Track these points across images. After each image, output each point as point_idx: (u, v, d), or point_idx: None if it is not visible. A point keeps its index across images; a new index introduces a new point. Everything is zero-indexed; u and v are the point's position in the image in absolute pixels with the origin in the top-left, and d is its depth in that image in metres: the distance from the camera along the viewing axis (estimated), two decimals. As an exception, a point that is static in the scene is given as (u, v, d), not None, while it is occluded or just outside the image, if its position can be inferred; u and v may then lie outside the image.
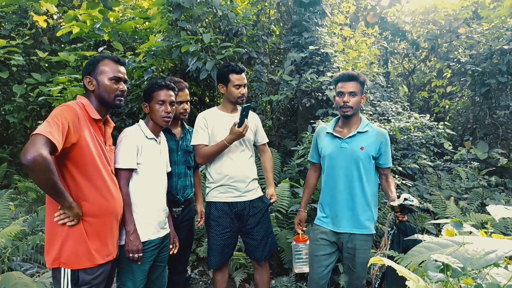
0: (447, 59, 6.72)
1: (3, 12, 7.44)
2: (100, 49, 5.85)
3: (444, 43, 6.74)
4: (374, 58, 6.02)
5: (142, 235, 2.11)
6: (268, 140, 2.93)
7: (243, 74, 2.68)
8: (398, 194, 2.36)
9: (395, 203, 2.24)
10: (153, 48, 5.05)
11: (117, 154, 2.09)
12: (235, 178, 2.63)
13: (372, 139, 2.41)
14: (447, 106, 7.77)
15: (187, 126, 2.77)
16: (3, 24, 7.62)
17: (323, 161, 2.52)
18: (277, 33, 6.01)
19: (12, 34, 7.23)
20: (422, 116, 4.65)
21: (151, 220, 2.18)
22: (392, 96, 5.66)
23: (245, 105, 2.48)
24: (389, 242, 2.36)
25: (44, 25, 7.04)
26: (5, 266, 2.91)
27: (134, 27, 6.48)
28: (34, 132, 1.57)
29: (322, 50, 4.47)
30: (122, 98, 1.98)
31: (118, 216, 1.97)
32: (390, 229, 2.37)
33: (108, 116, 2.04)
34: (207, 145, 2.64)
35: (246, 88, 2.70)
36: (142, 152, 2.17)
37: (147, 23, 6.56)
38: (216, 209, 2.65)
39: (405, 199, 2.23)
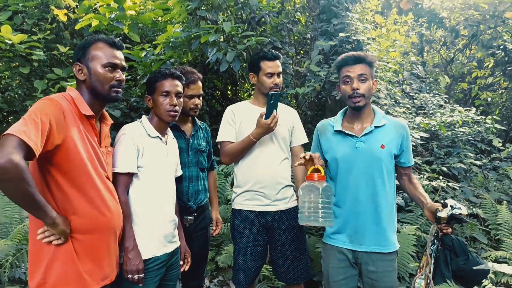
0: (490, 47, 6.12)
1: (25, 7, 7.37)
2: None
3: (487, 29, 6.14)
4: (410, 46, 5.51)
5: (145, 251, 1.81)
6: (306, 141, 2.47)
7: (277, 62, 2.32)
8: (442, 201, 1.94)
9: (443, 213, 1.80)
10: (171, 39, 4.77)
11: (114, 156, 1.79)
12: (263, 183, 2.27)
13: (392, 133, 1.99)
14: (489, 99, 7.16)
15: (198, 122, 2.43)
16: (25, 20, 7.56)
17: (332, 166, 2.06)
18: (303, 22, 5.61)
19: (33, 29, 7.15)
20: (467, 110, 4.17)
21: (156, 233, 1.88)
22: (430, 87, 5.16)
23: (273, 93, 2.11)
24: (432, 261, 1.94)
25: (65, 19, 6.91)
26: (6, 276, 2.67)
27: (153, 18, 6.24)
28: (5, 132, 1.28)
29: (354, 37, 4.05)
30: (120, 90, 1.66)
31: (117, 232, 1.67)
32: (431, 244, 1.92)
33: (104, 111, 1.74)
34: (233, 142, 2.32)
35: (281, 77, 2.34)
36: (144, 153, 1.86)
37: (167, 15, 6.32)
38: (242, 218, 2.31)
39: (452, 207, 1.80)
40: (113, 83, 1.63)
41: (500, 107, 7.04)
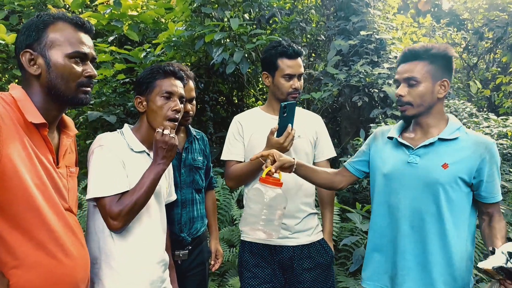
0: (519, 51, 5.65)
1: (21, 6, 7.05)
2: (111, 38, 5.19)
3: (517, 31, 5.68)
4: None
5: (124, 307, 1.35)
6: (334, 155, 1.99)
7: (299, 60, 1.84)
8: (490, 247, 1.36)
9: (485, 264, 1.26)
10: (173, 38, 4.36)
11: (92, 177, 1.35)
12: None
13: (466, 152, 1.46)
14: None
15: (193, 131, 1.97)
16: (22, 20, 7.23)
17: (375, 181, 1.62)
18: (315, 22, 5.19)
19: (29, 29, 6.81)
20: (503, 119, 3.70)
21: (139, 280, 1.42)
22: (458, 93, 4.69)
23: (287, 103, 1.66)
24: None
25: (62, 19, 6.57)
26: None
27: (155, 18, 5.86)
28: None
29: (377, 36, 3.60)
30: (89, 89, 1.21)
31: (80, 286, 1.21)
32: None
33: (65, 117, 1.28)
34: (242, 162, 1.87)
35: (302, 80, 1.87)
36: (126, 172, 1.41)
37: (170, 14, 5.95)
38: (252, 253, 1.86)
39: (510, 253, 1.25)
40: (81, 80, 1.18)
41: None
